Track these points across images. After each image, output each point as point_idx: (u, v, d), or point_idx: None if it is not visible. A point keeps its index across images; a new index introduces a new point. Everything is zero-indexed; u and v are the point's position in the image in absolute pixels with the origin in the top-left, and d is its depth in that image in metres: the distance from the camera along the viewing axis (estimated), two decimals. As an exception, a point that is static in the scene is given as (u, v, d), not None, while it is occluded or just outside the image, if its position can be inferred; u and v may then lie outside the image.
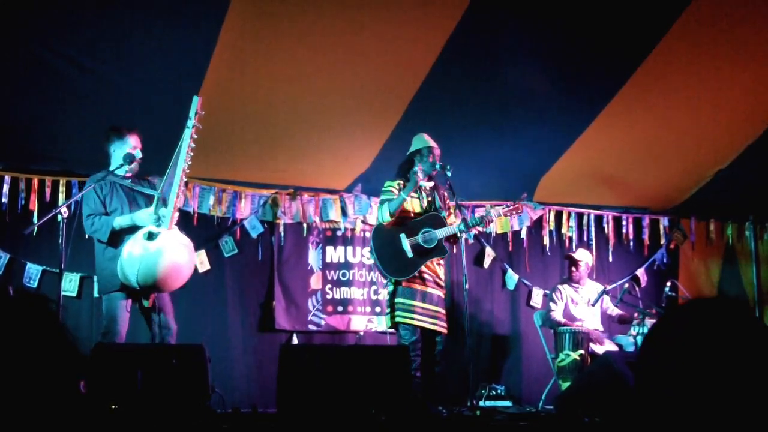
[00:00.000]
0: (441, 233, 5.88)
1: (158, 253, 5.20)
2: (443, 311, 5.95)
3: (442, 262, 6.07)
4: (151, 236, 5.22)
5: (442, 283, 6.02)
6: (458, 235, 5.94)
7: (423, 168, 6.01)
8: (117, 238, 5.37)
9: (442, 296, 5.99)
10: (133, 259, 5.19)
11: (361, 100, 6.56)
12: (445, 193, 6.17)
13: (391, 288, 5.93)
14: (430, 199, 6.06)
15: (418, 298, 5.83)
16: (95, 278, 5.81)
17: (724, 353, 1.33)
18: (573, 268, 7.48)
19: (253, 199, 7.45)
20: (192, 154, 5.37)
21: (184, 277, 5.38)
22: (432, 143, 6.10)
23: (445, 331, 5.94)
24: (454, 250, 7.84)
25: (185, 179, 5.36)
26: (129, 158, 5.48)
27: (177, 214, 5.37)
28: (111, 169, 5.56)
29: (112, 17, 5.48)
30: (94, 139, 6.43)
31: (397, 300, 5.84)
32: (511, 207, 6.21)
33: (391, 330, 6.14)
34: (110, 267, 5.36)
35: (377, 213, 6.10)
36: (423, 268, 5.88)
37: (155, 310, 5.38)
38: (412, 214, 6.01)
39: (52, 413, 1.45)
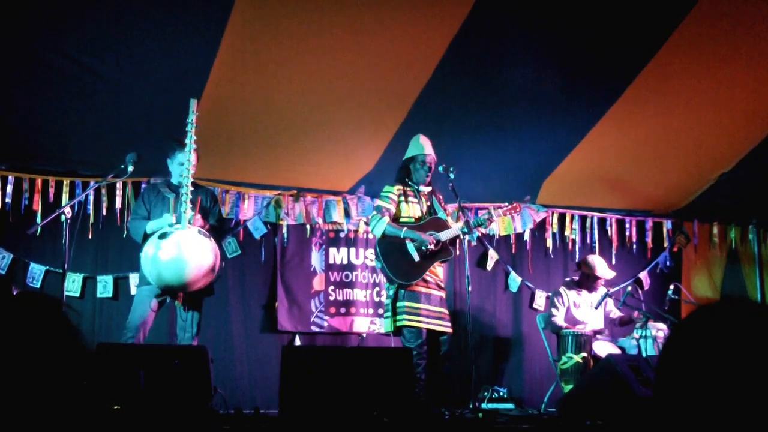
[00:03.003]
0: (445, 235, 5.88)
1: (165, 253, 5.33)
2: (447, 312, 5.94)
3: (443, 264, 6.08)
4: (163, 236, 5.37)
5: (443, 285, 6.03)
6: (461, 237, 5.93)
7: (416, 177, 6.04)
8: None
9: (444, 297, 5.99)
10: (146, 258, 5.40)
11: (364, 102, 6.56)
12: (441, 197, 6.19)
13: (392, 292, 5.88)
14: (428, 203, 6.06)
15: (423, 300, 5.81)
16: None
17: (750, 357, 1.32)
18: (600, 280, 7.42)
19: (256, 201, 7.45)
20: (194, 154, 5.47)
21: (196, 275, 5.39)
22: (426, 149, 6.04)
23: (450, 330, 5.92)
24: (457, 252, 7.84)
25: (191, 179, 5.45)
26: (132, 158, 5.59)
27: (191, 213, 5.43)
28: (170, 179, 5.86)
29: (116, 19, 5.49)
30: (97, 140, 6.46)
31: (400, 304, 5.80)
32: (509, 207, 6.20)
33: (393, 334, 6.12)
34: None
35: (372, 221, 6.04)
36: (427, 272, 5.89)
37: (185, 309, 5.58)
38: (413, 219, 6.01)
39: (55, 413, 1.45)
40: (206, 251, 5.43)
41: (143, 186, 6.04)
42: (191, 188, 5.41)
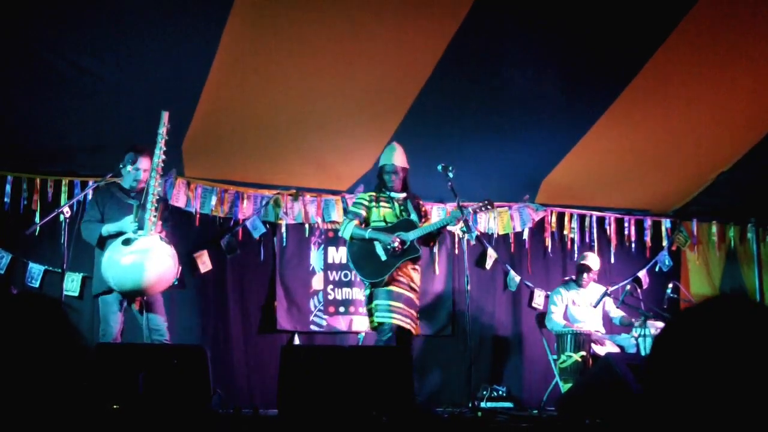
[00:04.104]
0: (412, 235, 6.08)
1: (130, 259, 5.43)
2: (415, 313, 6.16)
3: (417, 267, 6.24)
4: (127, 242, 5.45)
5: (417, 288, 6.22)
6: (434, 235, 6.15)
7: (388, 185, 6.26)
8: (107, 243, 5.61)
9: (415, 300, 6.18)
10: (109, 263, 5.46)
11: (363, 102, 6.56)
12: (420, 201, 6.40)
13: (368, 292, 6.15)
14: (402, 208, 6.27)
15: (394, 297, 6.03)
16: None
17: (740, 353, 1.32)
18: (585, 275, 7.48)
19: (255, 200, 7.45)
20: (163, 165, 5.60)
21: (158, 281, 5.52)
22: (393, 159, 6.24)
23: (415, 332, 6.15)
24: (456, 251, 7.84)
25: (159, 188, 5.61)
26: (130, 158, 5.69)
27: (156, 220, 5.56)
28: (121, 183, 5.91)
29: (115, 19, 5.49)
30: (97, 140, 6.46)
31: (374, 302, 6.06)
32: (481, 204, 6.34)
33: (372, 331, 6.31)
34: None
35: (342, 226, 6.34)
36: (398, 272, 6.06)
37: (142, 312, 5.61)
38: (385, 223, 6.21)
39: (54, 413, 1.45)
40: (167, 257, 5.56)
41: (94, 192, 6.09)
42: (156, 197, 5.55)
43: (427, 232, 6.11)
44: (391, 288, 6.05)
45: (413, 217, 6.22)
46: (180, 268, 5.87)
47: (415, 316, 6.15)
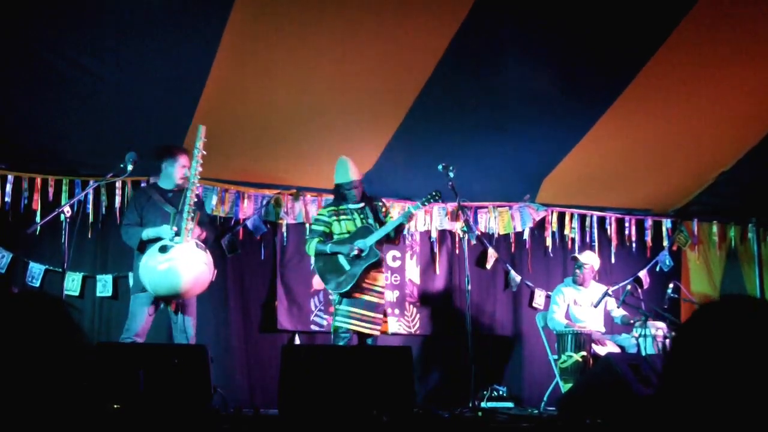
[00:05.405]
0: (370, 240, 6.26)
1: (166, 266, 5.58)
2: (380, 316, 6.37)
3: (381, 269, 6.47)
4: (163, 249, 5.60)
5: (381, 290, 6.42)
6: (391, 234, 6.32)
7: (348, 199, 6.46)
8: (146, 246, 5.79)
9: (380, 302, 6.41)
10: (145, 268, 5.64)
11: (364, 101, 6.56)
12: (379, 203, 6.60)
13: (337, 298, 6.37)
14: (362, 216, 6.46)
15: (355, 304, 6.28)
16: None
17: (756, 353, 1.32)
18: (577, 270, 7.50)
19: (256, 200, 7.45)
20: (199, 177, 5.77)
21: (192, 286, 5.70)
22: (351, 176, 6.41)
23: (377, 333, 6.36)
24: (457, 251, 7.83)
25: (195, 199, 5.76)
26: (131, 157, 5.71)
27: (192, 228, 5.72)
28: (159, 184, 6.11)
29: (115, 19, 5.49)
30: (97, 140, 6.47)
31: (339, 308, 6.32)
32: (429, 196, 6.42)
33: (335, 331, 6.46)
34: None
35: (306, 244, 6.60)
36: (362, 278, 6.26)
37: (177, 313, 5.83)
38: (347, 235, 6.40)
39: (54, 413, 1.45)
40: (202, 264, 5.72)
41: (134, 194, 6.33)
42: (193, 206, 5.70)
43: (384, 234, 6.28)
44: (357, 295, 6.28)
45: (371, 222, 6.41)
46: (215, 272, 5.99)
47: (380, 317, 6.37)
